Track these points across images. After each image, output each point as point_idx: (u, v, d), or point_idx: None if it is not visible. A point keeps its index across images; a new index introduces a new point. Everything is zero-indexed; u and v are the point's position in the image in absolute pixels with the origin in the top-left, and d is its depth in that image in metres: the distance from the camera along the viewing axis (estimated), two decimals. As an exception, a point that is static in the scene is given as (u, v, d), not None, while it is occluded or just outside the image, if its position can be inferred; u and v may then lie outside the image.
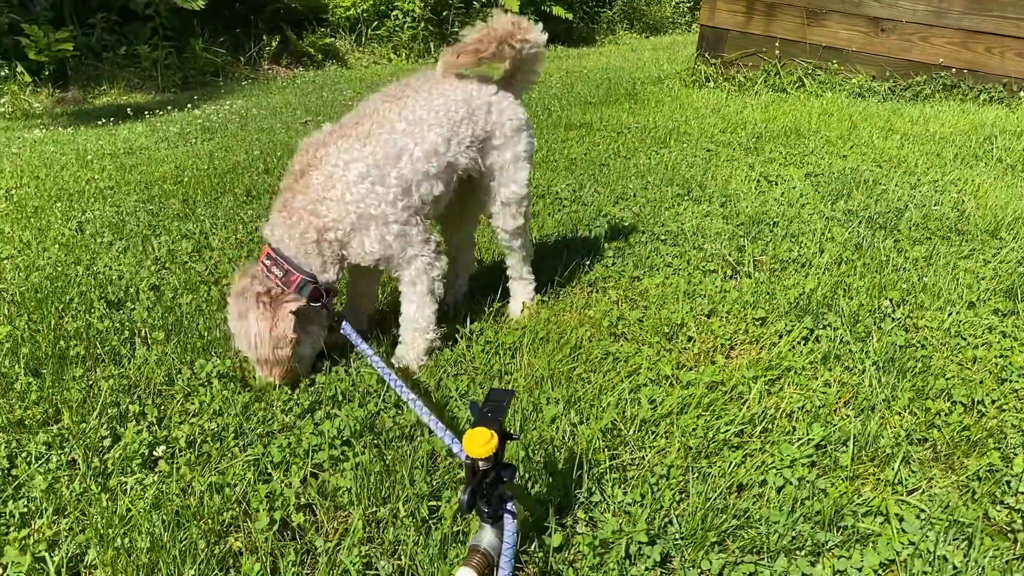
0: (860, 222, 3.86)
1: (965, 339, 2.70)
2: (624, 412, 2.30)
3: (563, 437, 2.17)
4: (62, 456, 2.15)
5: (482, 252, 3.65)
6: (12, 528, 1.89)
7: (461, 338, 2.76)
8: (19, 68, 9.55)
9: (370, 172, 2.43)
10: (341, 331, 2.49)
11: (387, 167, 2.45)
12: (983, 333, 2.72)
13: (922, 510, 1.91)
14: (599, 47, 15.14)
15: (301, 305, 2.45)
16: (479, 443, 1.53)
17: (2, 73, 9.45)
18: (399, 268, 2.59)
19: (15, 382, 2.52)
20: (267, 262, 2.44)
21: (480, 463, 1.55)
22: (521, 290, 3.04)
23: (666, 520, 1.88)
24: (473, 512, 1.61)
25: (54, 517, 1.93)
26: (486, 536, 1.63)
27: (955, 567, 1.73)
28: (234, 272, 2.55)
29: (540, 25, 2.78)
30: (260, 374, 2.49)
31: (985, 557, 1.74)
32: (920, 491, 2.00)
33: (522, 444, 2.09)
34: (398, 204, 2.47)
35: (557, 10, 14.21)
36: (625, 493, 1.96)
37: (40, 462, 2.13)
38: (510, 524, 1.60)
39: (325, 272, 2.49)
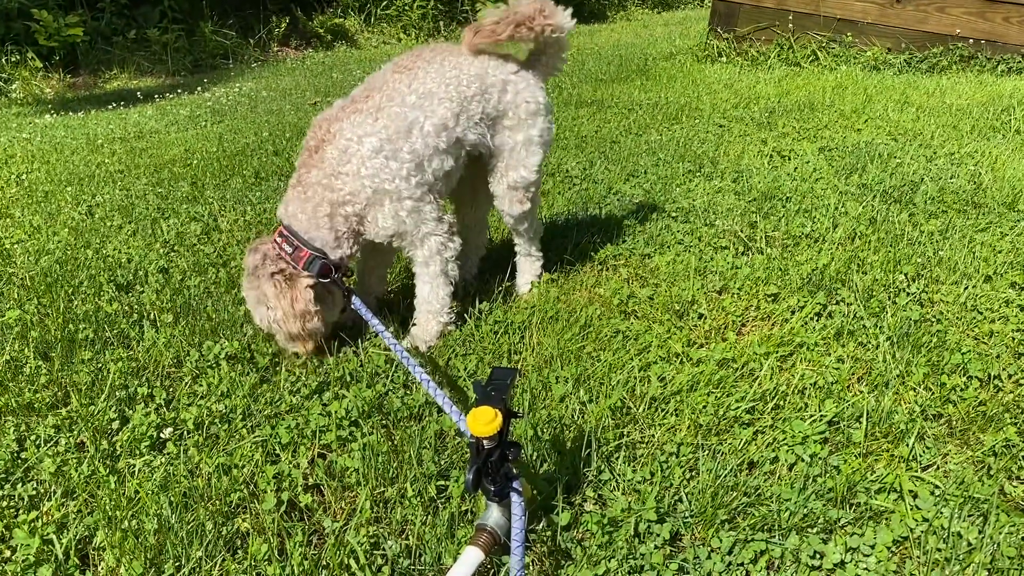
0: (874, 196, 3.80)
1: (981, 313, 2.65)
2: (634, 390, 2.27)
3: (572, 415, 2.16)
4: (71, 439, 2.15)
5: (492, 231, 3.63)
6: (21, 510, 1.89)
7: (470, 317, 2.74)
8: (29, 54, 9.56)
9: (383, 147, 2.42)
10: (352, 305, 2.48)
11: (399, 141, 2.44)
12: (1000, 307, 2.67)
13: (936, 486, 1.88)
14: (610, 23, 14.99)
15: (314, 281, 2.46)
16: (483, 422, 1.51)
17: (13, 59, 9.46)
18: (412, 247, 2.58)
19: (24, 365, 2.53)
20: (279, 239, 2.46)
21: (484, 442, 1.54)
22: (529, 267, 3.02)
23: (676, 498, 1.86)
24: (479, 490, 1.60)
25: (62, 499, 1.93)
26: (492, 515, 1.62)
27: (969, 543, 1.70)
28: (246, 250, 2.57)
29: (569, 11, 2.71)
30: (292, 349, 2.53)
31: (1000, 533, 1.71)
32: (935, 467, 1.97)
33: (531, 423, 2.08)
34: (411, 180, 2.46)
35: (568, -14, 14.07)
36: (634, 471, 1.94)
37: (49, 445, 2.13)
38: (517, 503, 1.59)
39: (338, 248, 2.48)
